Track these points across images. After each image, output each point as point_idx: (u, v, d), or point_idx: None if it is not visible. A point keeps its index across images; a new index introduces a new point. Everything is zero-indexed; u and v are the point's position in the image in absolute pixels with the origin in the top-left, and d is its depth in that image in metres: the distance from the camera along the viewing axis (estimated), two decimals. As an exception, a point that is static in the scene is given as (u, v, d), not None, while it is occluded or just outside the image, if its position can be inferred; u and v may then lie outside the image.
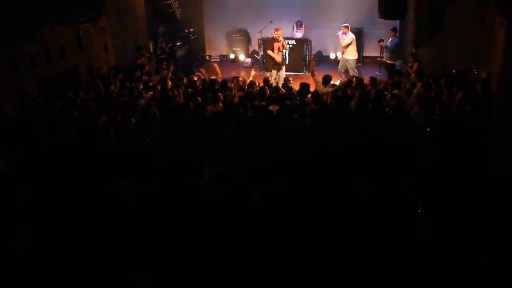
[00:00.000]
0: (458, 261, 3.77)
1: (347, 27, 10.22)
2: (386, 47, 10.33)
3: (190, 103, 6.82)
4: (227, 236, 4.01)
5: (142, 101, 7.26)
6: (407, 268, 3.73)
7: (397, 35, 10.48)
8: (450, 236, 3.98)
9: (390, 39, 10.31)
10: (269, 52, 9.94)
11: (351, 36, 10.17)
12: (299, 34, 12.11)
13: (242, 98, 7.10)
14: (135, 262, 3.87)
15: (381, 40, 10.54)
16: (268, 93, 7.50)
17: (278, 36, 9.83)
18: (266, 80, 8.45)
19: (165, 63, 10.38)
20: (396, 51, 10.33)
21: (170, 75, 8.84)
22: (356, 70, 10.30)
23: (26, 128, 6.19)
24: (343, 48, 10.32)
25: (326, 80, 7.81)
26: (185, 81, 8.54)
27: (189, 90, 7.93)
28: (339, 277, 3.71)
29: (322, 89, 7.68)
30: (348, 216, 4.15)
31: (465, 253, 3.84)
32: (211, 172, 4.70)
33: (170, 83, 8.44)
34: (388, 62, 10.34)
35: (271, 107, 6.54)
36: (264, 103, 6.70)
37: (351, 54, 10.26)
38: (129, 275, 3.75)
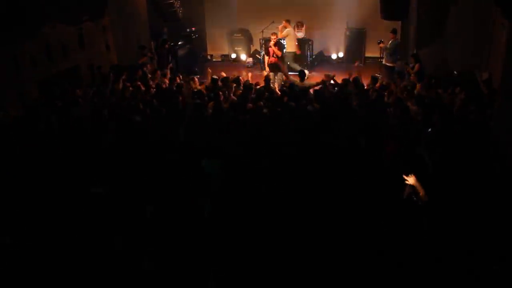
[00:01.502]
0: (459, 261, 3.76)
1: (287, 21, 10.99)
2: (386, 49, 10.26)
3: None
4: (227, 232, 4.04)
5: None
6: (408, 266, 3.72)
7: (397, 37, 10.38)
8: (451, 236, 3.98)
9: (390, 41, 10.20)
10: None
11: (286, 31, 10.87)
12: (300, 34, 12.12)
13: (238, 99, 7.12)
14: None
15: (381, 41, 10.42)
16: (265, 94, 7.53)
17: (273, 40, 10.13)
18: (267, 80, 8.48)
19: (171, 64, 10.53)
20: (396, 53, 10.25)
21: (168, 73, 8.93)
22: (287, 66, 10.93)
23: (27, 127, 6.20)
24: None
25: (301, 76, 8.41)
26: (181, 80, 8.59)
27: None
28: (338, 274, 3.71)
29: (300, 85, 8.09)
30: (347, 214, 4.15)
31: (467, 253, 3.83)
32: (211, 165, 4.72)
33: (167, 81, 8.50)
34: (388, 64, 10.23)
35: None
36: (260, 103, 6.70)
37: (289, 48, 11.01)
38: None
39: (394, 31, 10.31)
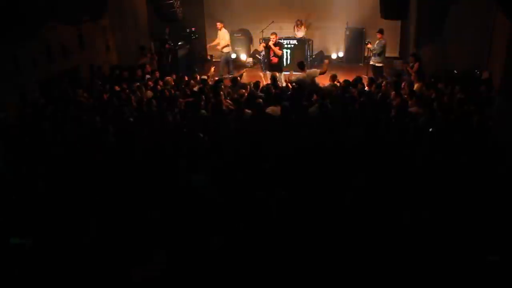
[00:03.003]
0: (460, 261, 3.77)
1: (221, 22, 11.52)
2: (374, 49, 10.13)
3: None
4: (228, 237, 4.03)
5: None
6: (409, 267, 3.73)
7: (384, 37, 10.21)
8: (452, 236, 3.98)
9: (377, 41, 10.09)
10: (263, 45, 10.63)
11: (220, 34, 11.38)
12: (299, 34, 12.12)
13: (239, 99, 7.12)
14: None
15: (369, 42, 10.34)
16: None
17: (272, 40, 10.09)
18: (274, 79, 8.46)
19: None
20: (383, 53, 10.15)
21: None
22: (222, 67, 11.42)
23: (27, 128, 6.19)
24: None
25: (301, 66, 8.85)
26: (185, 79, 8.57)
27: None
28: (341, 276, 3.71)
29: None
30: (349, 214, 4.15)
31: (468, 253, 3.84)
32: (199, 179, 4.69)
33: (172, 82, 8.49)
34: (377, 65, 10.13)
35: (272, 108, 6.56)
36: (261, 100, 6.72)
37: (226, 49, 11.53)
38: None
39: (381, 31, 10.18)
